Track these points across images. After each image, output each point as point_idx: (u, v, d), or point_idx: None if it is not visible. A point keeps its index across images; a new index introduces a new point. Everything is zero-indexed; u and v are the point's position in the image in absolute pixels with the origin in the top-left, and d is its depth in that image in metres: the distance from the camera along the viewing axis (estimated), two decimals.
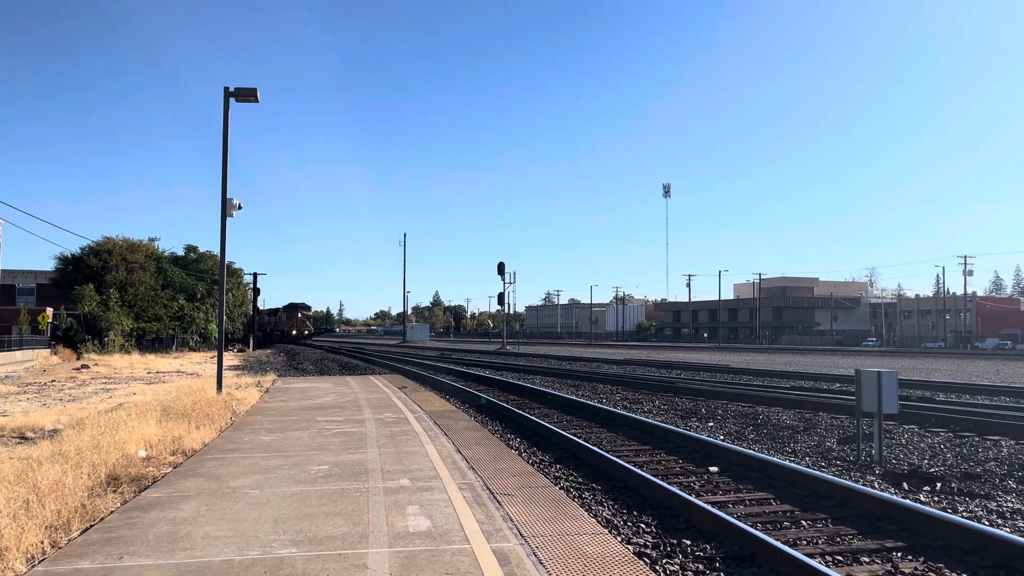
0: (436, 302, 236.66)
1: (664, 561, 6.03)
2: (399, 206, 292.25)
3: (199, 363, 42.49)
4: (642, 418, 15.01)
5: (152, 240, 68.63)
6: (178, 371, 34.13)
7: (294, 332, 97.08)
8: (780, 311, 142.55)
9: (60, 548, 5.69)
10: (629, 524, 7.21)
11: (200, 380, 23.89)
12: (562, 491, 8.09)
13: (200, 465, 9.18)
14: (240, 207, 16.47)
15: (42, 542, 5.67)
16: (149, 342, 63.54)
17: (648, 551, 6.26)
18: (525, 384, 24.07)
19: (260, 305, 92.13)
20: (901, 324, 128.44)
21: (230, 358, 48.47)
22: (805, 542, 6.65)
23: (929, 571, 5.97)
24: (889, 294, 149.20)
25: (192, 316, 65.79)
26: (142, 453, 9.63)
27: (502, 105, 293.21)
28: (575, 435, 12.77)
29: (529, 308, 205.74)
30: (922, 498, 9.13)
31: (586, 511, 7.18)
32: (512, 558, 5.33)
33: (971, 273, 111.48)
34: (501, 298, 69.27)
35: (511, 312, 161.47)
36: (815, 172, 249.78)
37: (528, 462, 10.13)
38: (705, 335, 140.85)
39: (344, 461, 9.40)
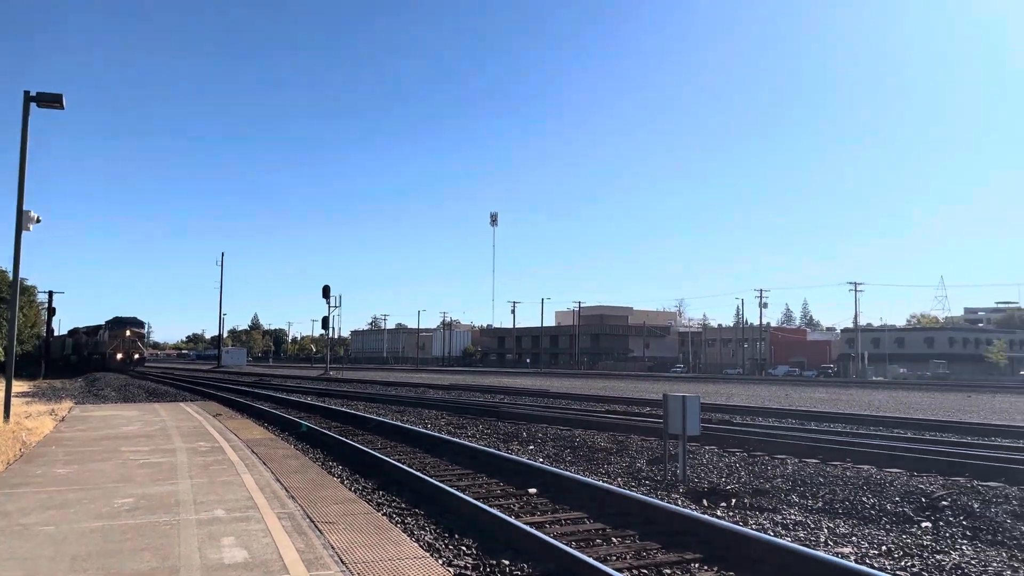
0: (255, 325, 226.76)
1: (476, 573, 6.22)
2: (217, 224, 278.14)
3: None
4: (465, 442, 15.24)
5: None
6: None
7: (119, 356, 74.34)
8: (598, 338, 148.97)
9: None
10: (451, 547, 7.34)
11: None
12: (385, 517, 8.09)
13: None
14: (39, 220, 15.15)
15: None
16: None
17: (468, 573, 6.42)
18: (348, 410, 23.67)
19: (79, 324, 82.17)
20: (706, 352, 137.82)
21: (19, 385, 43.98)
22: (615, 557, 7.07)
23: None
24: (696, 324, 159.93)
25: None
26: None
27: (331, 127, 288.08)
28: (399, 461, 12.75)
29: (355, 333, 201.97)
30: (719, 513, 9.91)
31: (408, 536, 7.24)
32: None
33: (766, 305, 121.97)
34: (325, 322, 67.67)
35: (336, 337, 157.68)
36: (632, 205, 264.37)
37: (351, 489, 10.01)
38: (528, 360, 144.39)
39: (152, 493, 8.88)
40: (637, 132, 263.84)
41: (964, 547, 8.56)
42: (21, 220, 14.80)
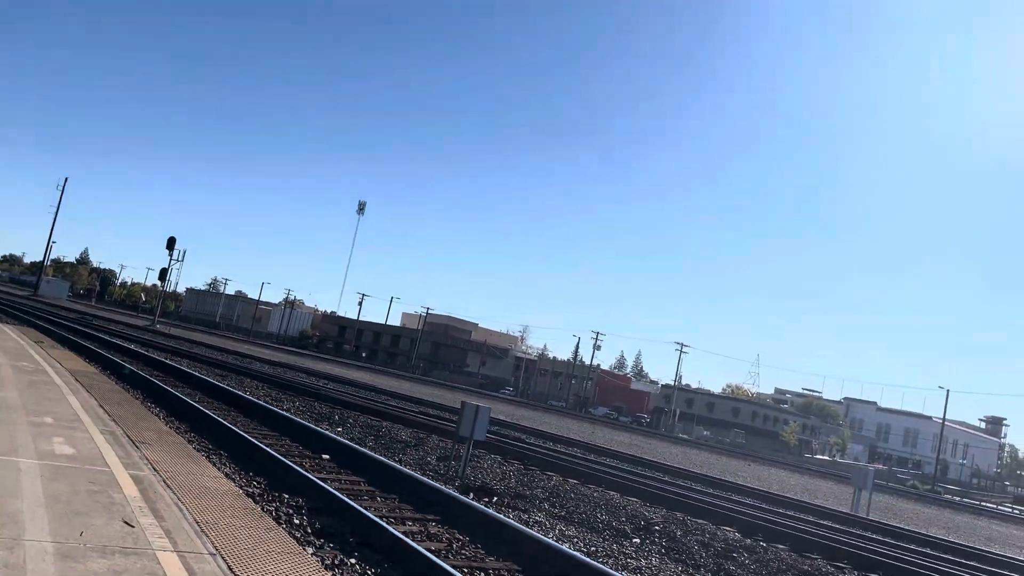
0: (83, 260, 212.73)
1: (264, 500, 7.93)
2: (63, 144, 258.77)
3: None
4: (278, 410, 16.69)
5: None
6: None
7: None
8: (438, 347, 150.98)
9: None
10: (245, 477, 9.00)
11: None
12: (194, 448, 9.60)
13: None
14: None
15: None
16: None
17: (255, 493, 8.11)
18: (172, 364, 24.30)
19: None
20: (536, 380, 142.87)
21: None
22: (374, 508, 8.93)
23: (455, 537, 8.55)
24: (534, 352, 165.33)
25: None
26: None
27: (208, 86, 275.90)
28: (213, 413, 14.08)
29: (190, 291, 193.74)
30: (479, 504, 11.99)
31: (212, 464, 8.81)
32: (145, 480, 6.86)
33: (599, 348, 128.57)
34: (163, 274, 65.78)
35: (170, 291, 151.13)
36: (497, 223, 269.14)
37: (166, 425, 11.37)
38: (364, 355, 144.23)
39: None
40: (516, 151, 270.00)
41: (654, 559, 11.02)
42: None
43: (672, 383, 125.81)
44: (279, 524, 6.80)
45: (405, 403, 31.82)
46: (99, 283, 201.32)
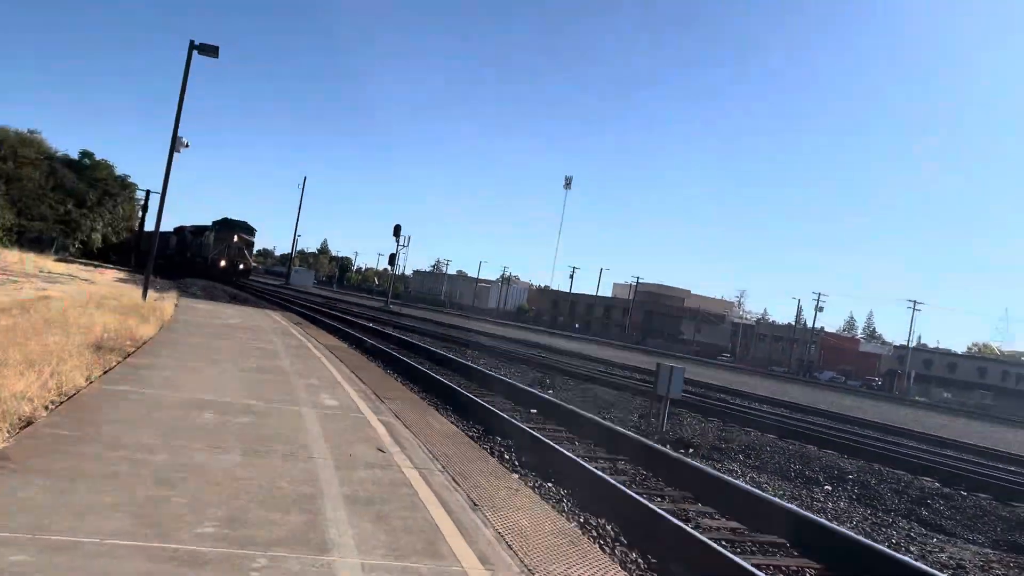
0: (323, 250, 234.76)
1: (480, 440, 9.71)
2: (299, 147, 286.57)
3: (85, 270, 43.44)
4: (493, 374, 18.77)
5: (32, 132, 66.89)
6: (70, 275, 35.43)
7: (223, 263, 64.80)
8: (651, 315, 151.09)
9: (94, 382, 8.71)
10: (466, 425, 10.90)
11: (100, 286, 25.90)
12: (426, 403, 11.65)
13: (160, 349, 12.19)
14: (187, 145, 18.98)
15: (84, 376, 8.67)
16: (28, 241, 62.72)
17: (473, 435, 9.93)
18: (405, 338, 27.46)
19: (185, 223, 78.23)
20: (755, 345, 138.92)
21: (117, 274, 49.29)
22: (572, 450, 10.45)
23: (639, 471, 9.86)
24: (754, 317, 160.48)
25: (78, 222, 65.28)
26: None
27: (421, 76, 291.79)
28: (440, 377, 16.34)
29: (416, 272, 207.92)
30: (680, 455, 13.17)
31: (440, 414, 10.77)
32: (390, 424, 8.82)
33: (821, 309, 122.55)
34: (392, 259, 72.03)
35: (399, 274, 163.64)
36: (710, 188, 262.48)
37: (403, 386, 13.64)
38: (576, 326, 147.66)
39: (266, 365, 12.59)
40: (725, 113, 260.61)
41: (842, 503, 11.67)
42: (174, 144, 18.66)
43: (906, 343, 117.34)
44: (491, 456, 8.51)
45: (613, 368, 33.29)
46: (338, 270, 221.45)
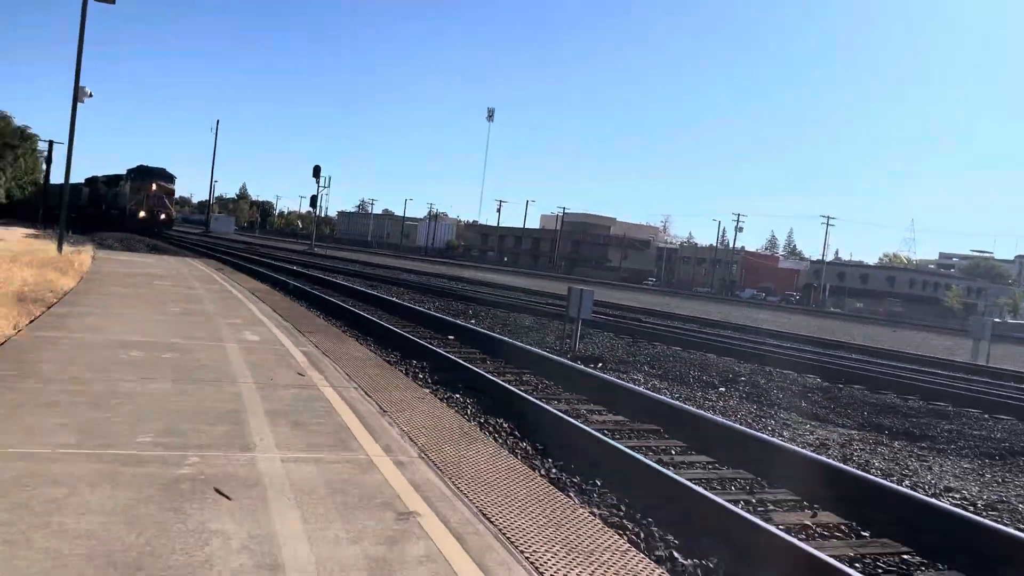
0: (242, 195, 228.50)
1: (400, 366, 10.56)
2: (210, 91, 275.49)
3: None
4: (415, 307, 19.56)
5: None
6: None
7: (143, 215, 60.97)
8: (578, 245, 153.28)
9: (22, 330, 9.16)
10: (384, 352, 11.70)
11: (10, 243, 25.47)
12: (346, 335, 12.39)
13: (82, 298, 12.54)
14: (91, 95, 18.73)
15: (11, 324, 9.11)
16: None
17: (390, 360, 10.75)
18: (329, 279, 27.91)
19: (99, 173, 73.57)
20: (680, 269, 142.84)
21: (26, 231, 47.74)
22: (483, 368, 11.39)
23: (542, 382, 10.88)
24: (680, 241, 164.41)
25: None
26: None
27: (337, 15, 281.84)
28: (362, 312, 17.04)
29: (341, 214, 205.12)
30: (587, 368, 14.26)
31: (359, 344, 11.54)
32: (309, 353, 9.56)
33: (741, 230, 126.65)
34: (314, 200, 71.33)
35: (322, 216, 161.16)
36: (632, 117, 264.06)
37: (324, 321, 14.33)
38: (505, 259, 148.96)
39: (190, 308, 13.08)
40: (644, 44, 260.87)
41: (732, 402, 12.95)
42: (77, 93, 18.41)
43: (820, 258, 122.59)
44: (406, 375, 9.37)
45: (537, 297, 34.42)
46: (260, 215, 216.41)
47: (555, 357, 13.17)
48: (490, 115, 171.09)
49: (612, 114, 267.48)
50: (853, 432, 11.50)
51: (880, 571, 4.82)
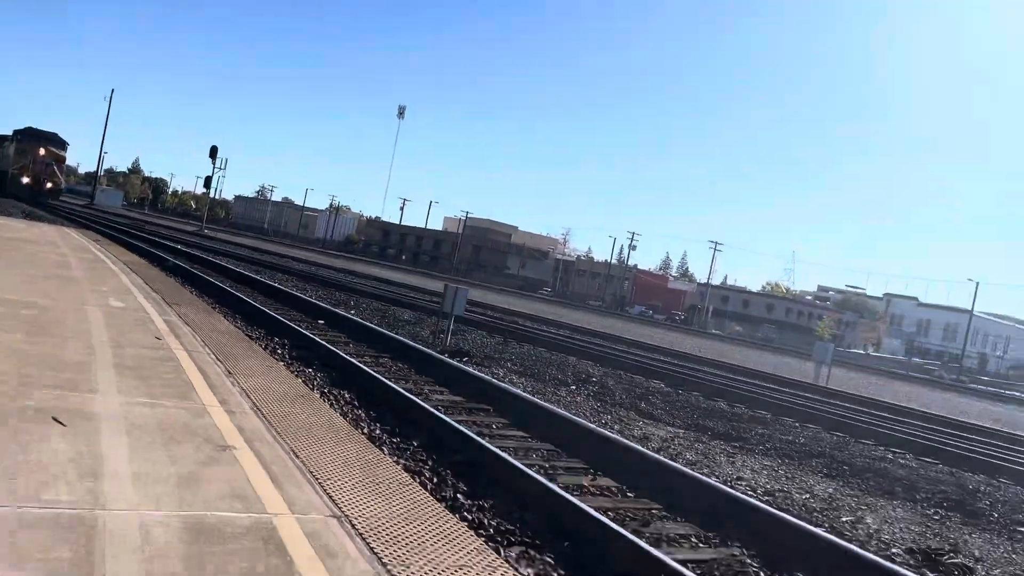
0: (135, 169, 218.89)
1: (262, 342, 11.09)
2: (110, 60, 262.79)
3: None
4: (294, 292, 19.95)
5: None
6: None
7: (27, 180, 56.67)
8: (479, 250, 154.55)
9: None
10: (249, 328, 12.19)
11: None
12: (215, 311, 12.79)
13: None
14: None
15: None
16: None
17: (252, 335, 11.26)
18: (213, 260, 27.76)
19: None
20: (575, 281, 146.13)
21: None
22: (344, 350, 12.04)
23: (398, 365, 11.62)
24: (578, 254, 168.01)
25: None
26: None
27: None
28: (238, 293, 17.33)
29: (238, 198, 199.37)
30: (455, 361, 15.02)
31: (225, 319, 11.99)
32: (172, 322, 9.99)
33: (634, 248, 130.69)
34: (208, 181, 69.65)
35: (218, 198, 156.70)
36: (540, 128, 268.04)
37: (196, 297, 14.63)
38: (404, 257, 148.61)
39: (59, 274, 13.16)
40: (558, 62, 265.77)
41: (579, 398, 14.01)
42: None
43: (707, 281, 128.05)
44: (264, 350, 9.95)
45: (426, 296, 35.07)
46: (151, 192, 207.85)
47: (419, 346, 13.93)
48: (401, 112, 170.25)
49: (523, 124, 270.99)
50: (679, 430, 12.74)
51: (627, 519, 5.82)
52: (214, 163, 68.05)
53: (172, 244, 34.37)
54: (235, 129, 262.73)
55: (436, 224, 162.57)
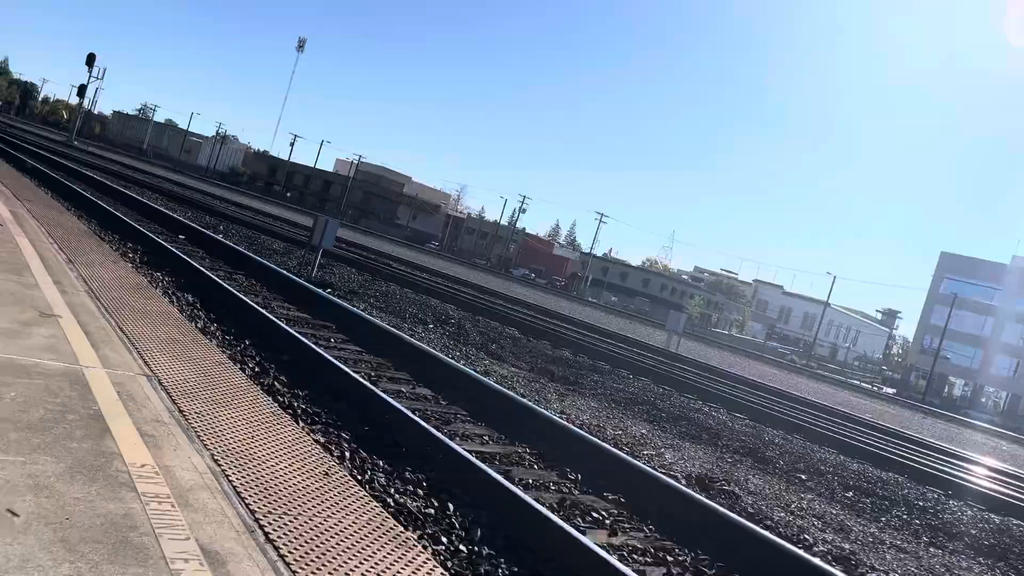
0: (2, 70, 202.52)
1: (113, 244, 11.11)
2: None
3: None
4: (160, 208, 19.59)
5: None
6: None
7: None
8: (369, 197, 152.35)
9: None
10: (102, 230, 12.09)
11: None
12: (69, 212, 12.63)
13: None
14: None
15: None
16: None
17: (106, 238, 11.25)
18: (79, 170, 26.61)
19: None
20: (464, 239, 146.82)
21: None
22: (201, 264, 12.17)
23: (253, 283, 11.89)
24: (471, 212, 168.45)
25: None
26: None
27: None
28: (94, 198, 16.91)
29: (117, 114, 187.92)
30: (305, 283, 15.31)
31: (74, 216, 11.87)
32: (20, 212, 9.89)
33: (524, 211, 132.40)
34: (82, 90, 65.41)
35: (95, 112, 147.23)
36: (447, 85, 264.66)
37: (51, 198, 14.31)
38: (289, 195, 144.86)
39: None
40: (463, 23, 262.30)
41: (435, 336, 14.61)
42: None
43: (589, 251, 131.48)
44: (113, 250, 10.02)
45: (304, 232, 34.75)
46: (19, 96, 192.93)
47: (278, 269, 14.16)
48: (301, 45, 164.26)
49: (426, 74, 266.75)
50: (521, 371, 13.60)
51: (431, 419, 6.49)
52: (90, 71, 63.96)
53: (35, 150, 32.56)
54: (118, 39, 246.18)
55: (327, 166, 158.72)
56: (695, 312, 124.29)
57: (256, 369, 6.43)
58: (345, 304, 12.15)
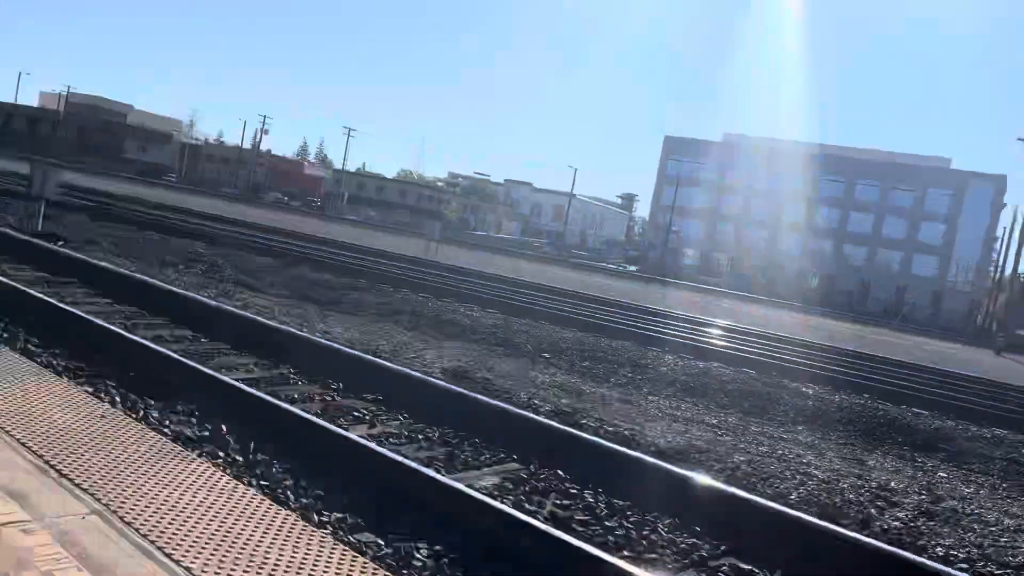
0: None
1: None
2: None
3: None
4: None
5: None
6: None
7: None
8: (85, 131, 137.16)
9: None
10: None
11: None
12: None
13: None
14: None
15: None
16: None
17: None
18: None
19: None
20: (204, 167, 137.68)
21: None
22: None
23: (13, 263, 11.13)
24: (209, 138, 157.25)
25: None
26: None
27: None
28: None
29: None
30: (56, 246, 14.23)
31: None
32: None
33: (267, 132, 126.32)
34: None
35: None
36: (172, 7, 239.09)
37: None
38: None
39: None
40: None
41: (186, 277, 14.41)
42: None
43: (342, 167, 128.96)
44: None
45: (14, 179, 31.31)
46: None
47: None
48: None
49: None
50: (281, 300, 13.93)
51: (195, 356, 6.95)
52: None
53: None
54: None
55: (30, 101, 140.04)
56: (453, 217, 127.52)
57: (5, 335, 6.45)
58: (84, 256, 11.77)
